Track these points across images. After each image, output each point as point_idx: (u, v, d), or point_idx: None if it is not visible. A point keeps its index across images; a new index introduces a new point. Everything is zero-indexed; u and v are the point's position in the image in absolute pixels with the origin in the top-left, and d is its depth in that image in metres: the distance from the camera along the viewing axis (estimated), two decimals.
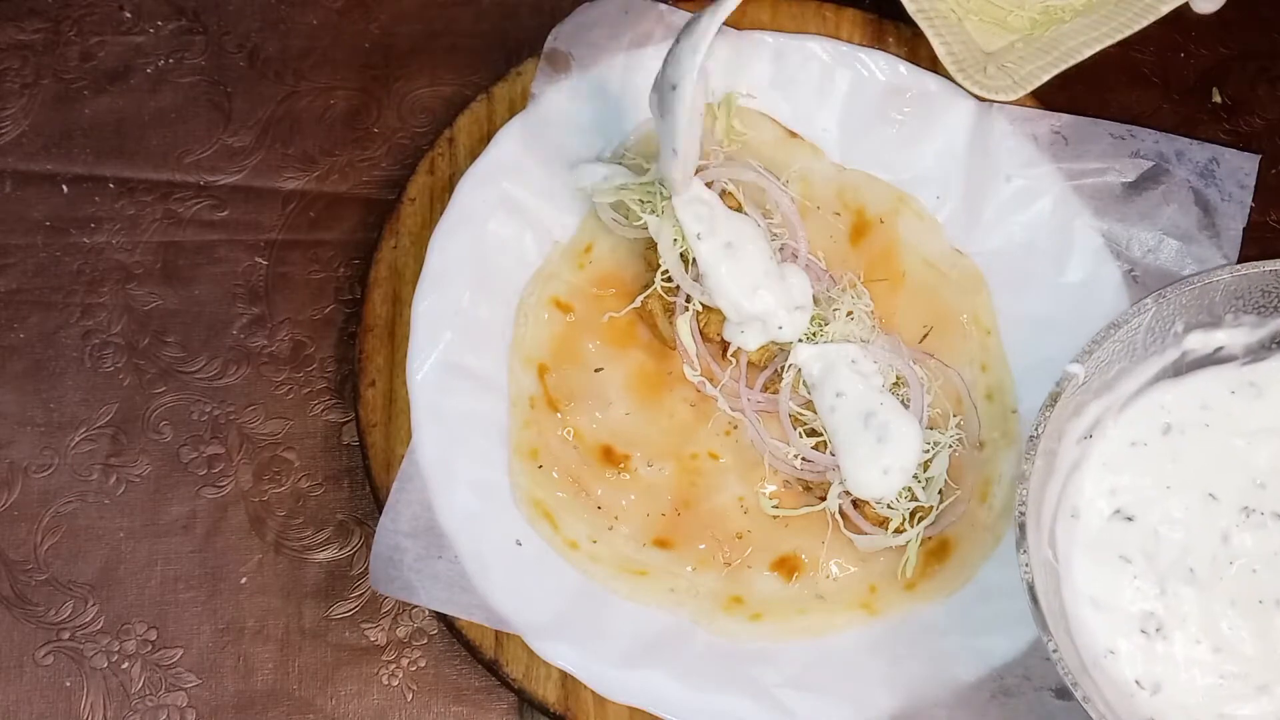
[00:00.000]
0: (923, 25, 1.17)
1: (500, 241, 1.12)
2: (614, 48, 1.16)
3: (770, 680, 1.02)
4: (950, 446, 1.08)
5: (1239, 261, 1.12)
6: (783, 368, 1.09)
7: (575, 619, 1.03)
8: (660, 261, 1.10)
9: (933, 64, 1.17)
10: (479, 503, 1.05)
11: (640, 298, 1.11)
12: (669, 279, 1.10)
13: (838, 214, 1.16)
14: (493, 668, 1.03)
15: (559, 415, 1.09)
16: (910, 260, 1.15)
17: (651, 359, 1.12)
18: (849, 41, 1.19)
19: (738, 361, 1.09)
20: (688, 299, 1.09)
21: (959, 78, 1.16)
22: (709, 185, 1.10)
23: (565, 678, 1.02)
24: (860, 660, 1.03)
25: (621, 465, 1.09)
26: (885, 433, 1.05)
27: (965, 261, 1.16)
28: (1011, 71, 1.16)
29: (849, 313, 1.10)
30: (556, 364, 1.11)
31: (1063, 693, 1.01)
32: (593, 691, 1.01)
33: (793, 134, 1.18)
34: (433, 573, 1.02)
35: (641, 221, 1.10)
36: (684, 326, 1.09)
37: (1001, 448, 1.10)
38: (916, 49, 1.19)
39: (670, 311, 1.10)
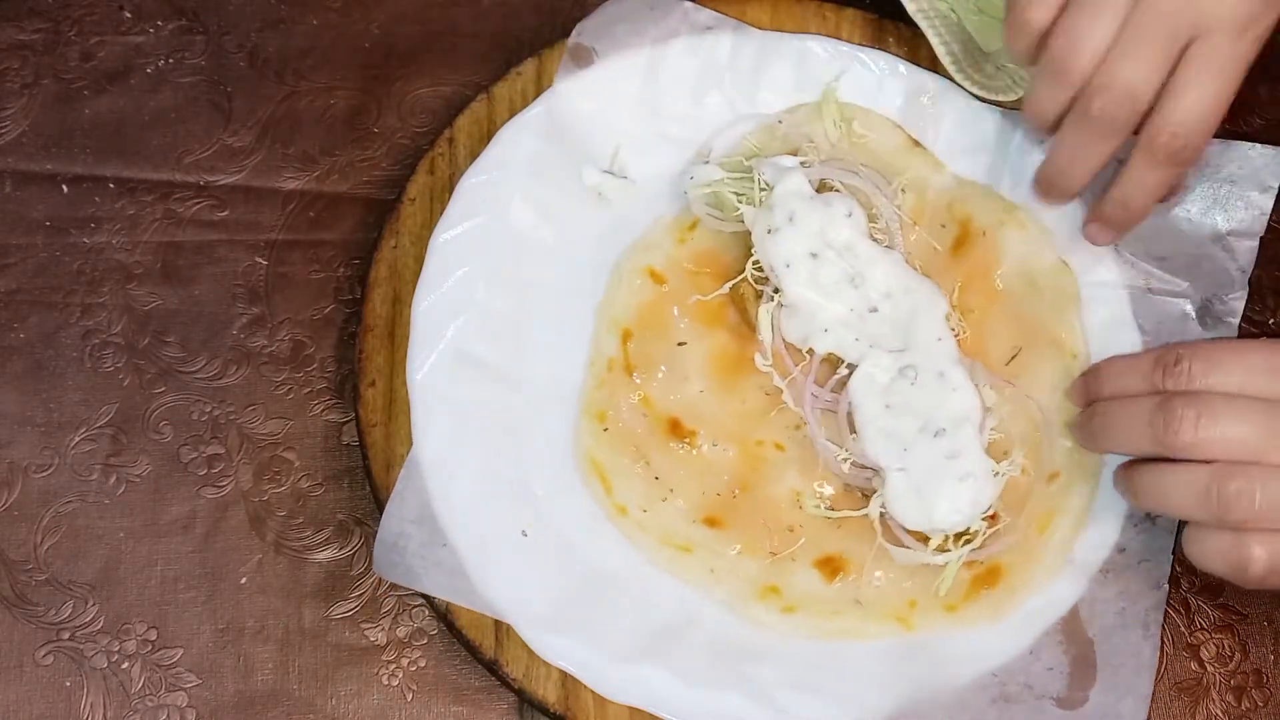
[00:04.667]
0: (922, 25, 1.17)
1: (517, 234, 1.12)
2: (638, 44, 1.16)
3: (768, 679, 1.02)
4: (1005, 475, 1.05)
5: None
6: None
7: (576, 614, 1.02)
8: (754, 250, 1.09)
9: (933, 64, 1.17)
10: (483, 493, 1.05)
11: (729, 284, 1.11)
12: (760, 268, 1.09)
13: (944, 225, 1.14)
14: (493, 668, 1.03)
15: (635, 379, 1.09)
16: (1008, 275, 1.12)
17: (735, 342, 1.11)
18: (849, 41, 1.19)
19: (812, 357, 1.09)
20: (775, 290, 1.09)
21: (959, 78, 1.16)
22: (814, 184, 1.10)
23: (565, 678, 1.02)
24: (859, 661, 1.03)
25: (687, 439, 1.08)
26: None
27: (1067, 277, 1.12)
28: (1012, 71, 1.16)
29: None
30: (641, 330, 1.11)
31: (1064, 702, 1.01)
32: (593, 692, 1.01)
33: (916, 143, 1.16)
34: (436, 560, 1.02)
35: (738, 213, 1.10)
36: (764, 315, 1.09)
37: (1076, 481, 1.07)
38: (916, 49, 1.19)
39: (761, 298, 1.10)
